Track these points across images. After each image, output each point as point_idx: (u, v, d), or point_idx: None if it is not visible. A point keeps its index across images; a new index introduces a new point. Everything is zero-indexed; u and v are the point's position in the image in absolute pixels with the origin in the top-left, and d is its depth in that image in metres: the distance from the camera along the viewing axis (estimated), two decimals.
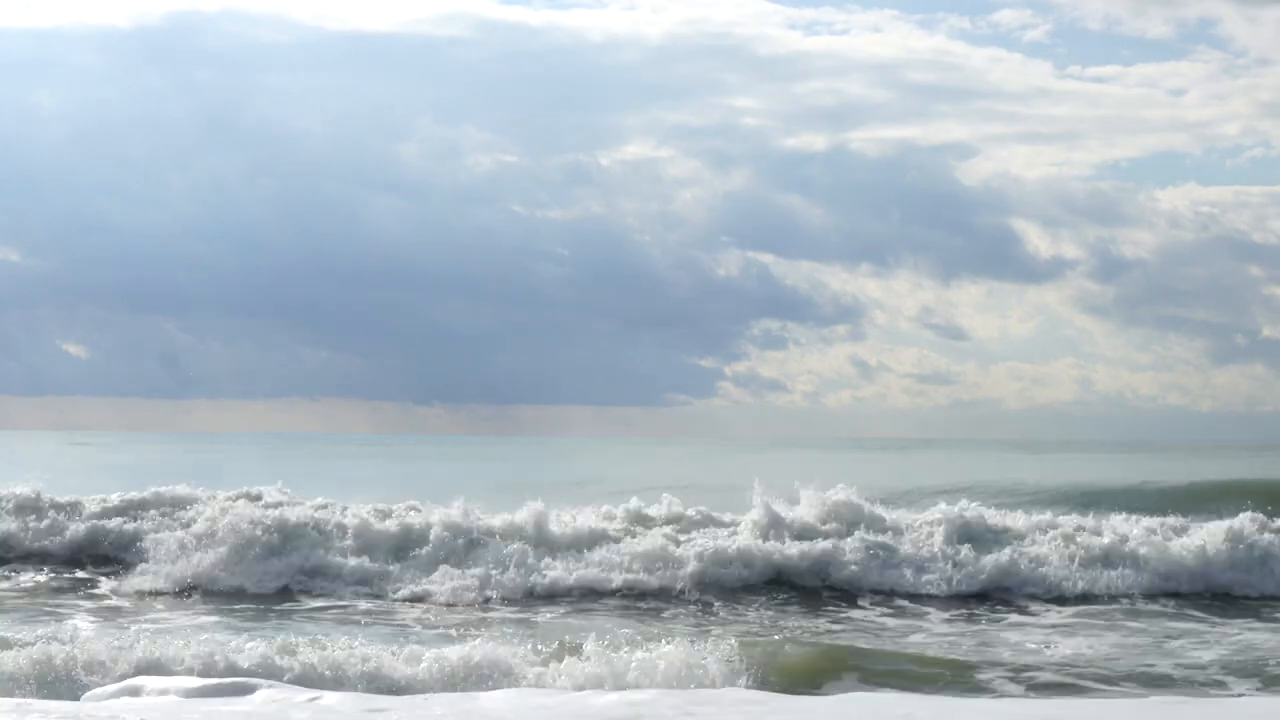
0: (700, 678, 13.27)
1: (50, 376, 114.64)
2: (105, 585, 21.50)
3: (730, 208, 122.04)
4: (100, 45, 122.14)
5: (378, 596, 20.78)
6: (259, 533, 22.10)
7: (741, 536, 22.87)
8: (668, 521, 24.01)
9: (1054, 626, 18.90)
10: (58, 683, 13.32)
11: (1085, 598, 21.29)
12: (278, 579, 21.54)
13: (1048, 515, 24.43)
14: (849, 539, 22.66)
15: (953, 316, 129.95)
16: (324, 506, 23.94)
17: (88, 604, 19.97)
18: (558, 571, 21.44)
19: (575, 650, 14.03)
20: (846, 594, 21.48)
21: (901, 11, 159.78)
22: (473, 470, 58.30)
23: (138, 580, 21.29)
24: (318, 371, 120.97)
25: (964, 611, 20.18)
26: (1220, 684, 14.55)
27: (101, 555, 23.21)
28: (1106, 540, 22.93)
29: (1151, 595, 21.60)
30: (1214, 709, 12.51)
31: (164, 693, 12.35)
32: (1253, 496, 26.54)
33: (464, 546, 22.32)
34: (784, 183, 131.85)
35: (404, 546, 22.49)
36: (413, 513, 23.77)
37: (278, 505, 23.89)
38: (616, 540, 22.69)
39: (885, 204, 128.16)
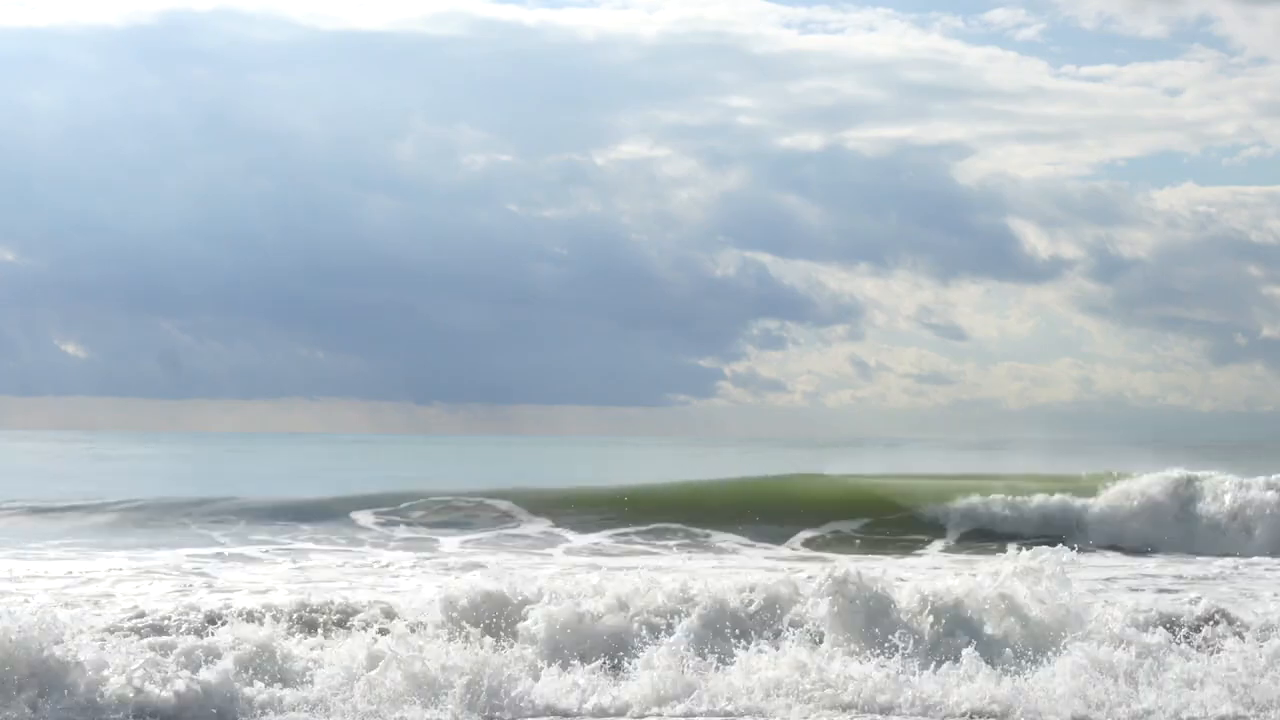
0: None
1: (48, 377, 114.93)
2: None
3: (727, 207, 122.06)
4: (94, 44, 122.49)
5: None
6: None
7: None
8: None
9: None
10: None
11: None
12: None
13: None
14: None
15: (951, 316, 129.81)
16: None
17: None
18: None
19: None
20: None
21: (896, 10, 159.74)
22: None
23: None
24: (317, 371, 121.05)
25: None
26: None
27: None
28: None
29: None
30: None
31: None
32: None
33: None
34: (780, 182, 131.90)
35: None
36: None
37: None
38: None
39: (882, 204, 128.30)
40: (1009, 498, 30.23)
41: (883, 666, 12.88)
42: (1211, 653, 13.51)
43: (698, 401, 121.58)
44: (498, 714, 12.10)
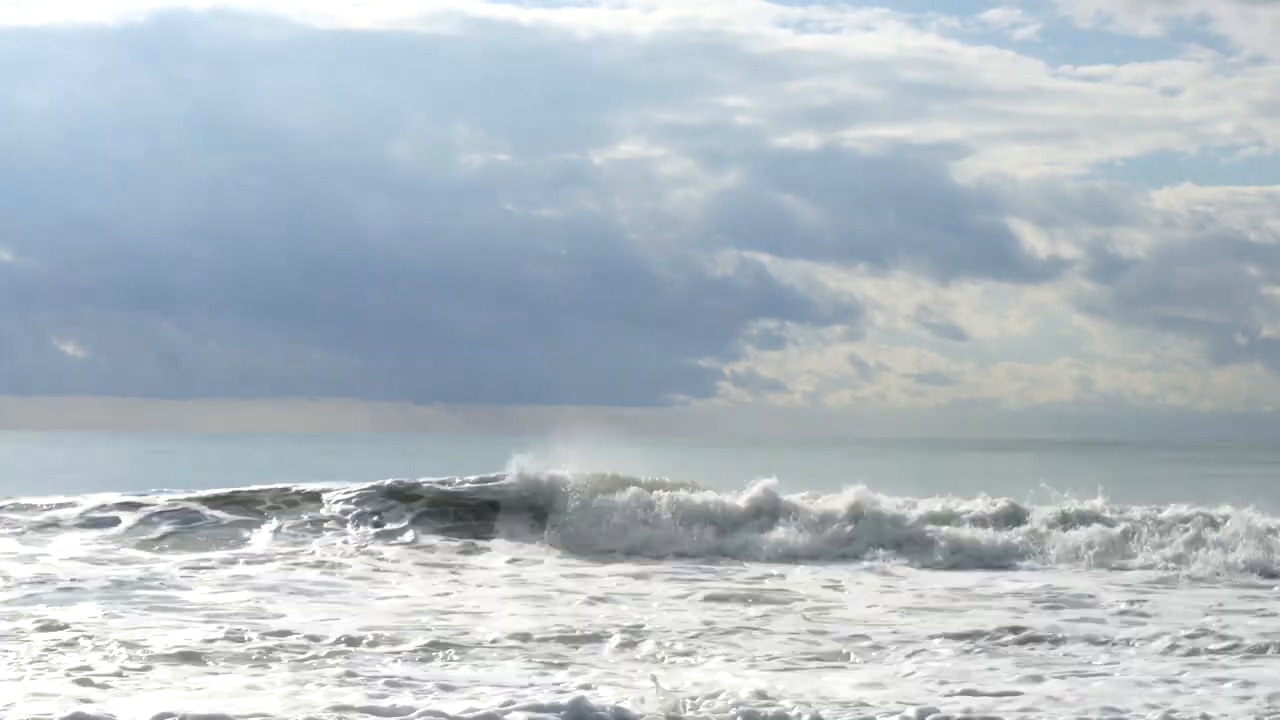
0: None
1: (48, 377, 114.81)
2: None
3: (725, 207, 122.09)
4: (90, 43, 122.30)
5: None
6: None
7: None
8: None
9: None
10: None
11: None
12: None
13: None
14: None
15: (950, 316, 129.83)
16: None
17: None
18: None
19: None
20: None
21: (892, 10, 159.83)
22: None
23: None
24: (317, 371, 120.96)
25: None
26: None
27: None
28: None
29: None
30: None
31: None
32: None
33: None
34: (778, 182, 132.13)
35: None
36: None
37: None
38: None
39: (880, 203, 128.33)
40: None
41: None
42: None
43: (697, 401, 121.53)
44: None
